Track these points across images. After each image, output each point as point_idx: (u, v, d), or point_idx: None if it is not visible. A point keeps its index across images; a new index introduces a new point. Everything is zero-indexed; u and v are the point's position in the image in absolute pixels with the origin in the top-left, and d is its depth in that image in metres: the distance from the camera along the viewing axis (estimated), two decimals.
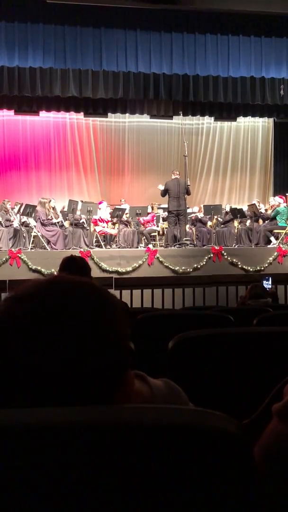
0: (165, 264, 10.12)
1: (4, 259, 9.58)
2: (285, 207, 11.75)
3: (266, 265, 10.46)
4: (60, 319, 0.74)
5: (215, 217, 12.06)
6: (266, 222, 11.92)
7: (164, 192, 11.03)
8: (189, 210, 12.27)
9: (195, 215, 12.12)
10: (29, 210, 10.81)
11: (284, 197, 12.37)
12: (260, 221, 12.16)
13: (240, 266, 10.35)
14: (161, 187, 11.24)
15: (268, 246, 11.26)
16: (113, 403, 0.74)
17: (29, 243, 10.58)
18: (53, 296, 0.77)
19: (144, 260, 10.09)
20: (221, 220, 12.22)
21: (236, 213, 11.95)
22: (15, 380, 0.72)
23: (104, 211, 11.76)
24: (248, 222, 12.06)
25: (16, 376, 0.71)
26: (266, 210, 12.68)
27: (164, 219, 12.48)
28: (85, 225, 11.19)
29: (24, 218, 10.98)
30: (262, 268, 10.39)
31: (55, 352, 0.71)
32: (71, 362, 0.72)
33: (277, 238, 11.33)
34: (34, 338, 0.72)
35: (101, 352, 0.74)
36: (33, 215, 10.98)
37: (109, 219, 11.84)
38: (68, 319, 0.74)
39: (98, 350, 0.74)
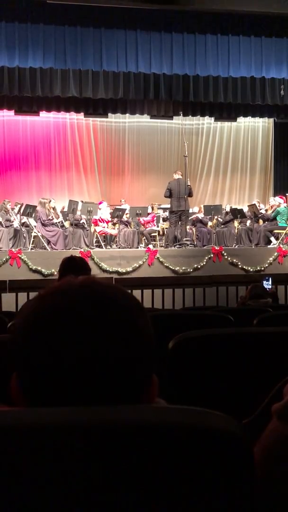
0: (165, 264, 10.12)
1: (4, 259, 9.58)
2: (285, 207, 11.75)
3: (266, 265, 10.46)
4: (102, 320, 0.75)
5: (215, 217, 12.06)
6: (266, 222, 11.92)
7: (168, 193, 11.03)
8: (190, 211, 12.27)
9: (195, 216, 12.12)
10: (29, 210, 10.82)
11: (284, 197, 12.37)
12: (260, 221, 12.16)
13: (240, 266, 10.35)
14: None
15: (268, 246, 11.26)
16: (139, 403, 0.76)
17: (29, 243, 10.58)
18: (97, 298, 0.78)
19: (144, 260, 10.09)
20: (221, 220, 12.22)
21: (236, 213, 11.95)
22: (54, 379, 0.73)
23: (104, 211, 11.76)
24: (248, 223, 12.06)
25: (56, 375, 0.73)
26: (266, 210, 12.68)
27: (164, 219, 12.47)
28: (85, 225, 11.18)
29: (24, 219, 10.98)
30: (262, 268, 10.39)
31: (93, 352, 0.73)
32: (109, 361, 0.73)
33: (277, 239, 11.33)
34: (78, 337, 0.74)
35: (138, 352, 0.76)
36: (33, 215, 10.98)
37: (109, 219, 11.84)
38: (109, 320, 0.76)
39: (136, 351, 0.76)
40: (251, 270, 10.33)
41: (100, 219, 11.54)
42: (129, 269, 9.98)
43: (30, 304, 0.80)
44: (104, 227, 11.59)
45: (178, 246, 10.83)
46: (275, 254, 10.61)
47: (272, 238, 11.42)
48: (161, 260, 10.13)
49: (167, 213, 11.99)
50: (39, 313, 0.76)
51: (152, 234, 11.95)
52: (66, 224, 11.59)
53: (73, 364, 0.72)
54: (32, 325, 0.76)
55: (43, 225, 10.72)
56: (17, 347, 0.77)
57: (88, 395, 0.72)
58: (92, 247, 10.79)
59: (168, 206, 11.59)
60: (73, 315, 0.75)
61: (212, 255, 10.31)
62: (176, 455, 0.62)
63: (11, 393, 0.78)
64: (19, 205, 11.68)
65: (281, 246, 10.89)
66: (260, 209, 12.52)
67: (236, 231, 11.91)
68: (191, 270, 10.12)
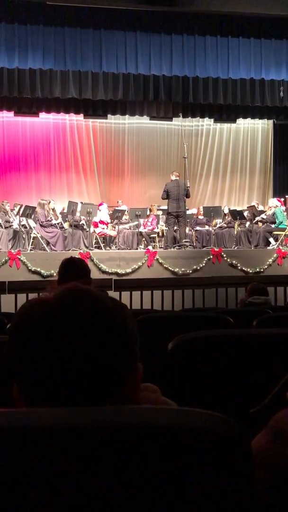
0: (164, 265, 10.12)
1: (3, 260, 9.57)
2: (281, 212, 11.74)
3: (266, 266, 10.47)
4: (79, 321, 0.81)
5: (217, 222, 12.07)
6: (266, 223, 11.92)
7: (165, 195, 11.01)
8: (188, 212, 12.27)
9: (195, 218, 12.11)
10: (29, 212, 10.82)
11: (282, 201, 12.39)
12: (260, 222, 12.17)
13: (239, 267, 10.35)
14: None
15: (268, 247, 11.26)
16: (120, 396, 0.81)
17: (28, 244, 10.58)
18: (72, 303, 0.84)
19: (144, 261, 10.09)
20: (225, 225, 12.21)
21: (236, 215, 11.96)
22: (39, 380, 0.79)
23: (104, 213, 11.76)
24: (247, 224, 12.07)
25: (39, 376, 0.78)
26: (265, 211, 12.69)
27: (164, 221, 12.48)
28: (85, 227, 11.18)
29: (24, 221, 10.98)
30: (262, 270, 10.39)
31: (72, 353, 0.79)
32: (86, 361, 0.79)
33: (276, 240, 11.34)
34: (54, 341, 0.79)
35: (110, 350, 0.81)
36: (32, 217, 10.98)
37: (109, 221, 11.84)
38: (87, 321, 0.82)
39: (109, 349, 0.81)
40: (251, 271, 10.33)
41: (100, 221, 11.55)
42: (129, 270, 9.98)
43: (20, 312, 0.86)
44: (103, 228, 11.59)
45: (177, 247, 10.83)
46: (275, 255, 10.61)
47: (272, 240, 11.42)
48: (160, 261, 10.13)
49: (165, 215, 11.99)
50: (25, 321, 0.83)
51: (152, 235, 11.95)
52: (66, 225, 11.59)
53: (61, 366, 0.78)
54: (21, 331, 0.82)
55: (42, 226, 10.73)
56: (9, 352, 0.83)
57: (75, 392, 0.78)
58: (91, 248, 10.79)
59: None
60: (52, 324, 0.81)
61: (211, 257, 10.31)
62: (170, 455, 0.62)
63: (13, 393, 0.83)
64: (18, 206, 11.68)
65: (281, 247, 10.90)
66: (259, 210, 12.53)
67: (235, 232, 11.92)
68: (191, 271, 10.12)
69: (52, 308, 0.82)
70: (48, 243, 10.59)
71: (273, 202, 12.32)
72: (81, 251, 10.20)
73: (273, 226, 11.61)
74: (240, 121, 15.28)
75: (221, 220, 12.27)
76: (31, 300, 0.88)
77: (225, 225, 12.13)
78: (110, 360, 0.80)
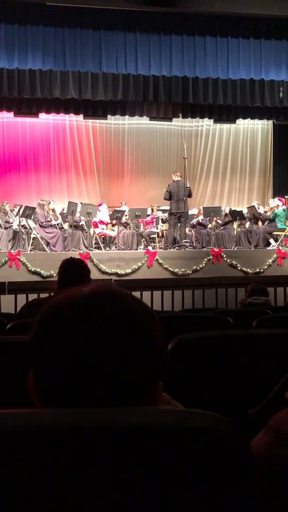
0: (164, 266, 10.12)
1: (3, 260, 9.57)
2: (283, 209, 11.76)
3: (266, 267, 10.46)
4: (111, 327, 0.79)
5: (214, 219, 12.06)
6: (265, 224, 11.93)
7: (167, 195, 11.01)
8: (189, 212, 12.26)
9: (196, 220, 12.10)
10: (29, 212, 10.82)
11: (283, 200, 12.38)
12: (260, 223, 12.17)
13: (239, 268, 10.35)
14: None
15: (268, 248, 11.26)
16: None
17: (28, 245, 10.58)
18: (110, 305, 0.81)
19: (144, 262, 10.09)
20: (220, 222, 12.22)
21: (236, 215, 11.96)
22: (62, 381, 0.76)
23: (103, 213, 11.76)
24: (247, 224, 12.06)
25: (64, 377, 0.76)
26: (265, 212, 12.69)
27: (163, 221, 12.47)
28: (85, 227, 11.18)
29: (24, 222, 10.98)
30: (262, 270, 10.39)
31: (92, 355, 0.76)
32: (118, 364, 0.77)
33: (276, 240, 11.34)
34: (79, 339, 0.77)
35: (144, 359, 0.79)
36: (32, 217, 10.98)
37: (109, 221, 11.84)
38: (117, 328, 0.79)
39: (144, 356, 0.79)
40: (251, 272, 10.33)
41: (99, 221, 11.55)
42: (128, 270, 9.98)
43: (45, 310, 0.83)
44: (103, 228, 11.59)
45: (177, 248, 10.83)
46: (274, 256, 10.61)
47: (271, 240, 11.43)
48: (160, 261, 10.13)
49: (166, 215, 11.99)
50: (53, 321, 0.80)
51: (151, 236, 11.95)
52: (65, 225, 11.59)
53: (82, 368, 0.76)
54: (48, 331, 0.80)
55: (42, 226, 10.73)
56: (33, 351, 0.80)
57: (95, 397, 0.75)
58: (91, 248, 10.79)
59: (168, 208, 11.58)
60: (84, 324, 0.78)
61: (211, 257, 10.31)
62: (171, 455, 0.62)
63: (29, 392, 0.81)
64: (18, 207, 11.67)
65: (280, 248, 10.90)
66: (259, 211, 12.53)
67: (235, 233, 11.92)
68: (191, 272, 10.12)
69: (84, 305, 0.80)
70: (48, 244, 10.59)
71: (275, 201, 12.32)
72: (81, 251, 10.20)
73: (276, 226, 11.59)
74: (240, 121, 15.28)
75: (220, 221, 12.26)
76: (65, 292, 0.84)
77: (221, 226, 12.09)
78: (126, 372, 0.77)
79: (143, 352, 0.79)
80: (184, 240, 10.89)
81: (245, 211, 12.49)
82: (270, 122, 15.73)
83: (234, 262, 10.38)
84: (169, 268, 10.10)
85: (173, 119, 14.11)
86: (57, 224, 11.14)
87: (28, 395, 0.81)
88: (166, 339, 1.70)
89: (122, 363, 0.77)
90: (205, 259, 10.27)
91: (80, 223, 11.26)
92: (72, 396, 0.75)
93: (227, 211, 12.68)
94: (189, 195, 11.14)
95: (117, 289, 0.85)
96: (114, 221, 11.78)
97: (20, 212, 10.90)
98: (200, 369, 1.63)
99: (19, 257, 9.66)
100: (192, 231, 11.92)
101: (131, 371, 0.77)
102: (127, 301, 0.83)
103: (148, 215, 12.37)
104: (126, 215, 11.95)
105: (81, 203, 12.27)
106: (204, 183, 16.46)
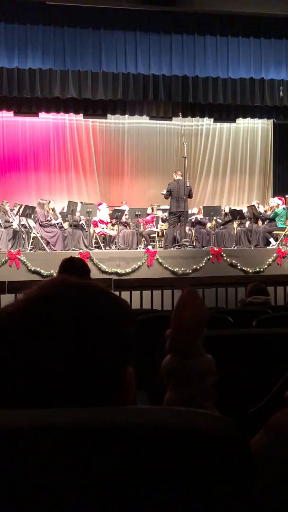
0: (164, 265, 10.11)
1: (3, 260, 9.57)
2: (283, 208, 11.76)
3: (266, 266, 10.46)
4: (61, 320, 0.76)
5: (214, 218, 12.06)
6: (265, 223, 11.93)
7: (168, 194, 11.02)
8: (189, 212, 12.27)
9: (195, 217, 12.11)
10: (28, 211, 10.82)
11: (283, 199, 12.38)
12: (260, 222, 12.17)
13: (239, 267, 10.35)
14: (164, 192, 11.21)
15: (268, 247, 11.27)
16: (111, 400, 0.76)
17: (28, 244, 10.58)
18: (55, 298, 0.79)
19: (144, 261, 10.08)
20: (220, 221, 12.22)
21: (235, 214, 11.96)
22: (18, 381, 0.73)
23: (103, 213, 11.76)
24: (247, 224, 12.06)
25: (20, 377, 0.72)
26: (265, 211, 12.69)
27: (163, 220, 12.47)
28: (85, 227, 11.18)
29: (23, 221, 10.97)
30: (262, 270, 10.39)
31: (57, 353, 0.73)
32: (73, 362, 0.73)
33: (276, 240, 11.34)
34: (37, 339, 0.74)
35: (100, 351, 0.76)
36: (32, 216, 10.98)
37: (109, 220, 11.84)
38: (70, 320, 0.76)
39: (97, 350, 0.75)
40: (250, 271, 10.33)
41: (99, 220, 11.55)
42: (128, 270, 9.98)
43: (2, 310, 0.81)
44: (103, 228, 11.59)
45: (177, 247, 10.83)
46: (274, 255, 10.61)
47: (271, 239, 11.42)
48: (160, 261, 10.13)
49: (166, 214, 11.99)
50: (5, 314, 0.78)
51: (151, 235, 11.95)
52: (65, 225, 11.59)
53: (32, 366, 0.72)
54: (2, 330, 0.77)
55: (42, 226, 10.73)
56: None
57: (59, 395, 0.72)
58: (91, 248, 10.79)
59: (168, 207, 11.58)
60: (32, 319, 0.76)
61: (211, 256, 10.31)
62: (171, 455, 0.62)
63: None
64: (18, 206, 11.68)
65: (280, 247, 10.90)
66: (259, 210, 12.53)
67: (235, 232, 11.91)
68: (190, 271, 10.12)
69: (31, 303, 0.78)
70: (47, 243, 10.59)
71: (275, 201, 12.32)
72: (81, 251, 10.20)
73: (276, 225, 11.59)
74: (240, 120, 15.29)
75: (220, 220, 12.26)
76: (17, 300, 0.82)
77: (221, 225, 12.10)
78: (87, 362, 0.74)
79: (103, 343, 0.76)
80: (184, 240, 10.89)
81: (245, 210, 12.48)
82: (270, 121, 15.73)
83: (234, 261, 10.38)
84: (169, 267, 10.10)
85: (173, 118, 14.10)
86: (57, 224, 11.14)
87: None
88: (166, 339, 1.70)
89: (76, 362, 0.73)
90: (205, 259, 10.27)
91: (80, 223, 11.26)
92: (29, 397, 0.72)
93: (227, 210, 12.68)
94: (190, 196, 11.14)
95: (67, 280, 0.83)
96: (114, 221, 11.77)
97: (20, 212, 10.90)
98: None
99: (19, 257, 9.66)
100: (192, 230, 11.92)
101: (93, 365, 0.74)
102: (83, 289, 0.81)
103: (148, 214, 12.37)
104: (126, 215, 11.95)
105: (81, 203, 12.27)
106: (204, 182, 16.47)
